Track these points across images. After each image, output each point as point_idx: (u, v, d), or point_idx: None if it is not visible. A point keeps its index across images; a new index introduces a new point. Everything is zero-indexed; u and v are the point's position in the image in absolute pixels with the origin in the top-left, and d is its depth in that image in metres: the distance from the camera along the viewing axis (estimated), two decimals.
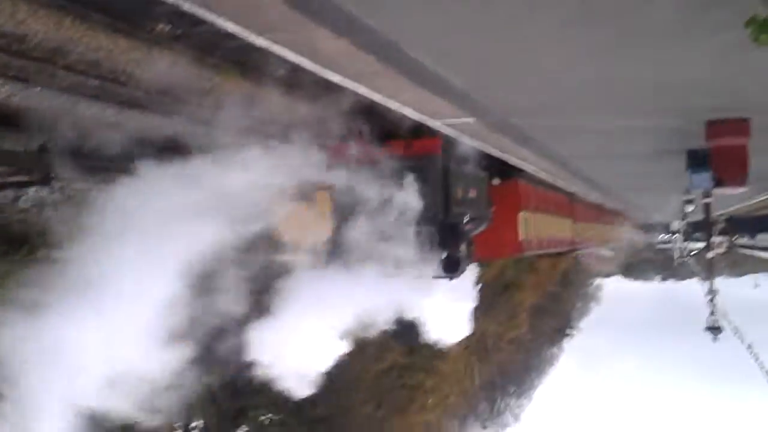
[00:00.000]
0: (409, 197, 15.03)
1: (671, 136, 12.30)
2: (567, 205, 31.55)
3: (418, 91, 8.51)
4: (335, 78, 7.70)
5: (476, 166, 17.71)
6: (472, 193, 17.26)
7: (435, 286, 20.21)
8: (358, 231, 15.24)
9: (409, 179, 14.99)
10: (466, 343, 44.50)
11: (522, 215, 22.03)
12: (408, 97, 9.00)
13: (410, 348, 32.30)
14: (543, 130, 12.21)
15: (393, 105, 9.37)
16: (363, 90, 8.44)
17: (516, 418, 55.31)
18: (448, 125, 11.34)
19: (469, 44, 6.82)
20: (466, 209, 16.62)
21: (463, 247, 16.49)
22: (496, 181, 19.83)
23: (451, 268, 16.13)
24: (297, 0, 5.53)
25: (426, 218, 14.99)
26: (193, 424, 22.08)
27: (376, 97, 8.87)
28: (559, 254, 37.26)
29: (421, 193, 14.90)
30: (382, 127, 14.41)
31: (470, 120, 10.62)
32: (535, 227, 23.93)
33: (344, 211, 15.50)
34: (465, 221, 16.58)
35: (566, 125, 11.61)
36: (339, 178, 15.31)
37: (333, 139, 15.75)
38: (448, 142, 15.03)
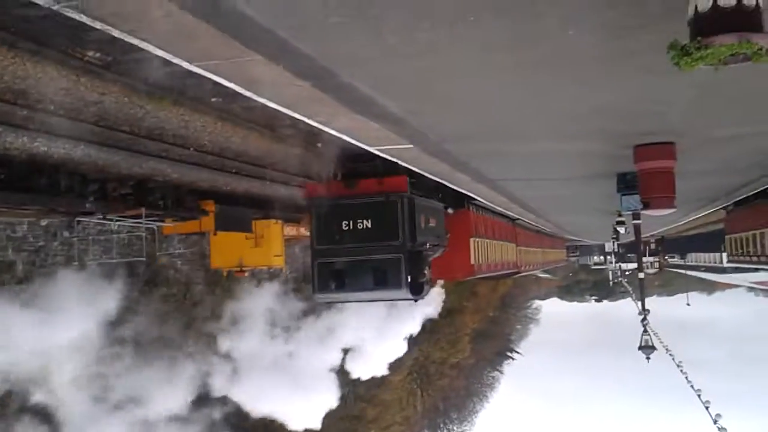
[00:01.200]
0: (379, 228, 17.04)
1: (602, 160, 12.58)
2: (511, 231, 33.54)
3: (355, 117, 8.50)
4: (270, 104, 7.65)
5: (435, 198, 19.61)
6: (432, 222, 19.02)
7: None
8: (334, 260, 17.21)
9: (379, 213, 17.02)
10: (408, 370, 44.47)
11: (473, 241, 23.91)
12: (345, 123, 8.99)
13: (350, 379, 33.26)
14: (476, 156, 12.37)
15: (331, 131, 9.35)
16: (299, 116, 8.40)
17: None
18: (387, 151, 11.36)
19: (401, 71, 6.87)
20: (428, 237, 18.37)
21: (426, 272, 18.18)
22: (450, 211, 21.54)
23: (417, 291, 17.69)
24: (229, 26, 5.48)
25: (393, 247, 16.89)
26: None
27: (314, 123, 8.84)
28: (504, 276, 39.10)
29: (390, 225, 17.00)
30: (354, 167, 16.63)
31: (408, 146, 10.65)
32: (484, 252, 25.87)
33: (320, 241, 17.52)
34: (427, 248, 18.27)
35: (498, 150, 11.78)
36: (315, 211, 17.54)
37: (310, 177, 17.83)
38: (412, 179, 16.75)
